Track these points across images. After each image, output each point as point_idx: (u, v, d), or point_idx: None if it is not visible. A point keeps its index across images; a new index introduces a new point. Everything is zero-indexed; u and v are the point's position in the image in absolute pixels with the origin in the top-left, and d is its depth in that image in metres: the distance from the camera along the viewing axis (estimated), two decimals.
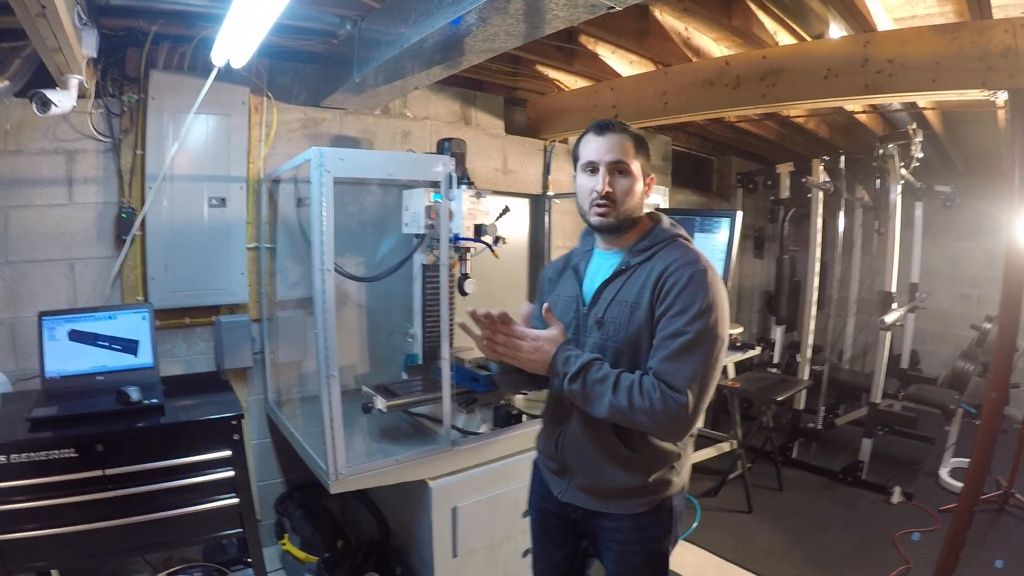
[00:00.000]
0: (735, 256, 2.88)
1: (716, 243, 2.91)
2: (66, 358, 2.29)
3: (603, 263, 1.58)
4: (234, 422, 2.13)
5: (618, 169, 1.48)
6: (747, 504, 3.69)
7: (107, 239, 2.64)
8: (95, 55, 2.32)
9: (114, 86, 2.64)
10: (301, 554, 2.66)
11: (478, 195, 2.66)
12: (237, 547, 2.61)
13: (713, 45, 2.98)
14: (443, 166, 2.25)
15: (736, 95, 2.83)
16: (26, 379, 2.43)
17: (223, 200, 2.76)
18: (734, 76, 2.83)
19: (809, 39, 2.73)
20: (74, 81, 2.24)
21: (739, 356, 4.05)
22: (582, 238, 1.71)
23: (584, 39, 3.08)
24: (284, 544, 2.72)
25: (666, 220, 1.59)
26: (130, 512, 1.99)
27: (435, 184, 2.44)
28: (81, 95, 2.40)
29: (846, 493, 3.97)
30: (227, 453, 2.13)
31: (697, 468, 3.89)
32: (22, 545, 1.86)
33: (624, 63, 3.27)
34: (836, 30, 2.60)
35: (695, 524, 3.46)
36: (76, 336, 2.32)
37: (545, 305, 1.52)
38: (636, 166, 1.50)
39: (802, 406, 4.63)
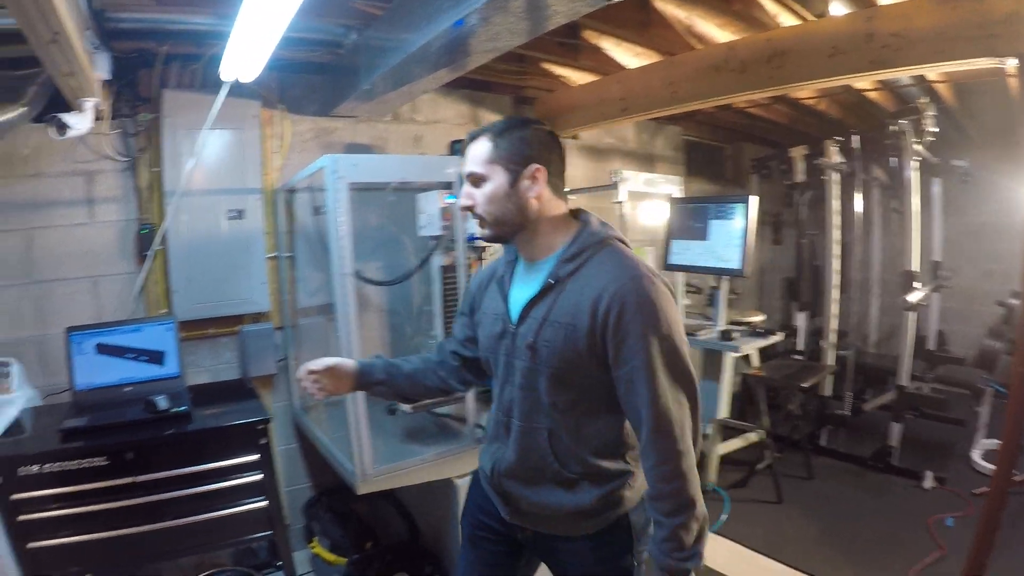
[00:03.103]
0: (752, 243, 2.85)
1: (731, 230, 2.89)
2: (94, 371, 2.35)
3: (529, 275, 1.42)
4: (260, 427, 2.17)
5: (472, 180, 1.39)
6: (776, 494, 3.64)
7: (129, 255, 2.69)
8: (108, 77, 2.37)
9: (128, 107, 2.70)
10: (331, 556, 2.68)
11: None
12: (267, 551, 2.65)
13: (717, 31, 2.95)
14: (454, 167, 2.27)
15: (743, 79, 2.80)
16: (56, 393, 2.49)
17: (241, 212, 2.81)
18: (739, 60, 2.80)
19: (812, 18, 2.71)
20: (89, 104, 2.28)
21: (762, 343, 4.02)
22: (506, 246, 1.51)
23: (587, 34, 3.07)
24: (314, 547, 2.74)
25: (594, 220, 1.41)
26: (161, 518, 2.03)
27: (448, 185, 2.46)
28: (97, 117, 2.45)
29: (877, 479, 3.90)
30: (255, 457, 2.16)
31: (725, 460, 3.85)
32: (56, 551, 1.91)
33: (629, 55, 3.26)
34: (838, 7, 2.58)
35: (724, 517, 3.42)
36: (103, 349, 2.37)
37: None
38: (495, 168, 1.35)
39: (829, 392, 4.56)
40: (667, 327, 1.25)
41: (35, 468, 1.88)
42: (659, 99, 3.16)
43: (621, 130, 4.26)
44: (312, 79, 3.04)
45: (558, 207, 1.39)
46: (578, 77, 3.61)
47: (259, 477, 2.17)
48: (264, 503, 2.18)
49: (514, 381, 1.41)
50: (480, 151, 1.36)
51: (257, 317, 2.91)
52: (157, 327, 2.42)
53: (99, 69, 2.27)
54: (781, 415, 4.02)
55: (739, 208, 2.92)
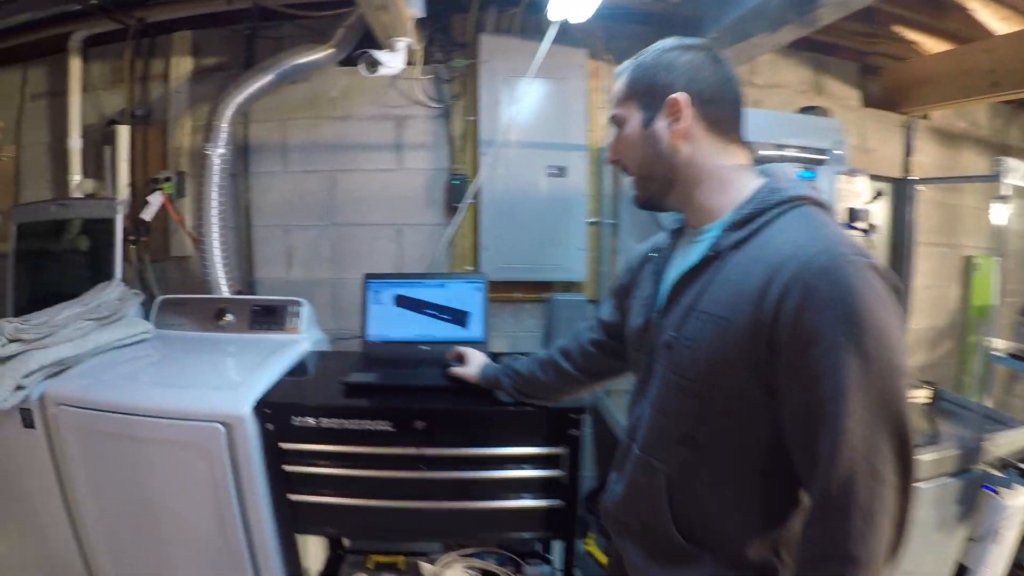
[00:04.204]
0: None
1: None
2: (389, 323, 2.19)
3: (688, 249, 1.05)
4: (574, 415, 1.84)
5: (615, 124, 1.08)
6: None
7: (437, 205, 2.61)
8: (422, 15, 2.27)
9: (442, 52, 2.62)
10: (603, 558, 2.41)
11: (851, 173, 2.20)
12: (540, 541, 2.41)
13: None
14: (833, 132, 1.83)
15: None
16: (345, 339, 2.47)
17: (562, 170, 2.59)
18: None
19: None
20: (401, 44, 2.23)
21: None
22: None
23: None
24: (587, 544, 2.50)
25: (782, 174, 0.99)
26: (438, 497, 1.80)
27: (801, 159, 2.05)
28: (409, 62, 2.40)
29: None
30: (560, 450, 1.86)
31: None
32: (316, 509, 1.78)
33: (996, 18, 2.60)
34: None
35: None
36: (402, 301, 2.21)
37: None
38: (630, 106, 1.04)
39: None
40: (877, 340, 0.77)
41: (311, 420, 1.73)
42: None
43: (972, 113, 3.51)
44: (641, 29, 2.71)
45: (726, 153, 1.00)
46: (932, 44, 2.97)
47: (560, 473, 1.87)
48: (559, 503, 1.88)
49: (648, 392, 1.05)
50: (618, 87, 1.07)
51: (569, 286, 2.70)
52: (464, 285, 2.21)
53: (412, 6, 2.17)
54: None
55: None
